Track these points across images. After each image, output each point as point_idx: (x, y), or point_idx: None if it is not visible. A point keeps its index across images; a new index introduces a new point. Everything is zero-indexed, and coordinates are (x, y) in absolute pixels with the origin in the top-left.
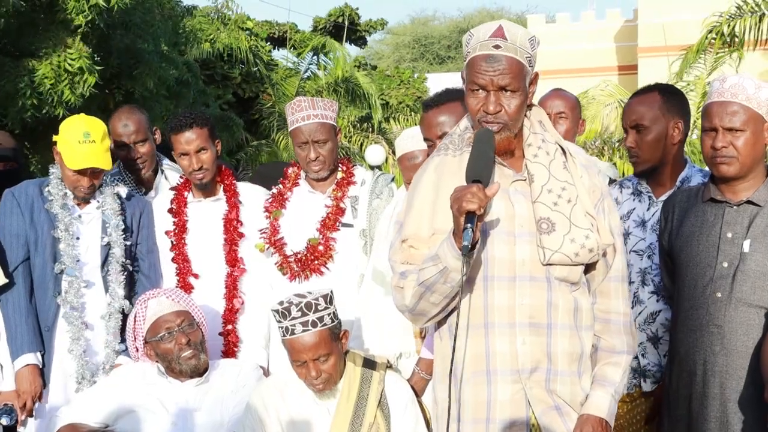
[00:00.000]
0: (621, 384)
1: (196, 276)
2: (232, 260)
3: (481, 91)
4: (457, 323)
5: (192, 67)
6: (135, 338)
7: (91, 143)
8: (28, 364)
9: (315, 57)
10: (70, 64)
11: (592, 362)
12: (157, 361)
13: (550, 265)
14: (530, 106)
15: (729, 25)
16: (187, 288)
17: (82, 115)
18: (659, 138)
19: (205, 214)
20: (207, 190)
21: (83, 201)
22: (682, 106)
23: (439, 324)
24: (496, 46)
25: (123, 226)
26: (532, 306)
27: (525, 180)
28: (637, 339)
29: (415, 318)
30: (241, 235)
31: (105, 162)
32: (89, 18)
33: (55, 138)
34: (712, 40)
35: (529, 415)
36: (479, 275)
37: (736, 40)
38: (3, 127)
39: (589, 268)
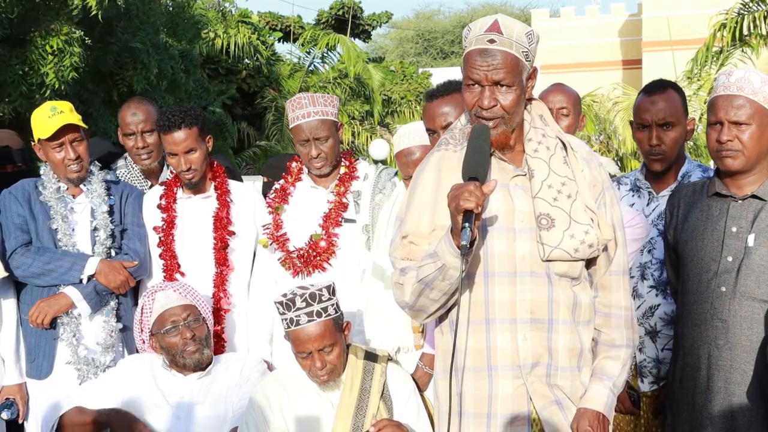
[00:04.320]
0: (620, 378)
1: (182, 274)
2: (222, 259)
3: (476, 85)
4: (456, 320)
5: (192, 56)
6: (141, 330)
7: (60, 113)
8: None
9: (326, 52)
10: (51, 46)
11: (593, 356)
12: (161, 354)
13: (550, 261)
14: (530, 101)
15: (737, 22)
16: None
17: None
18: (682, 135)
19: (195, 211)
20: (198, 187)
21: (76, 184)
22: (687, 104)
23: (441, 319)
24: (491, 41)
25: (109, 210)
26: (532, 301)
27: (525, 175)
28: (638, 333)
29: (415, 314)
30: (231, 234)
31: (77, 120)
32: (97, 4)
33: (33, 144)
34: (723, 37)
35: (530, 409)
36: (479, 271)
37: (746, 37)
38: None
39: (590, 262)
